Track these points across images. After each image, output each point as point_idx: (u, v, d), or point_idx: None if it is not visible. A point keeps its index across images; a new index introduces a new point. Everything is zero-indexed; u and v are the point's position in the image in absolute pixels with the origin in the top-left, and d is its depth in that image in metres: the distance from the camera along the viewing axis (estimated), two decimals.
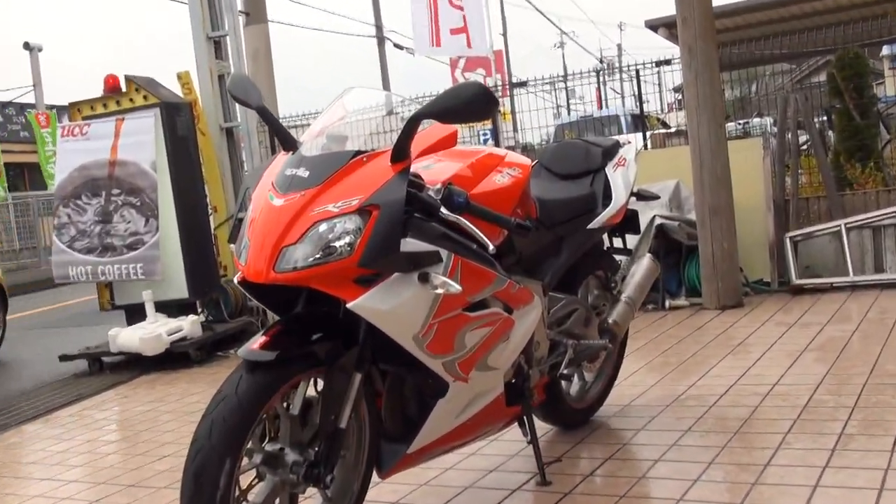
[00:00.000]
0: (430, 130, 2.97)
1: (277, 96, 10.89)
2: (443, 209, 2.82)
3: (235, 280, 2.89)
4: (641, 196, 4.45)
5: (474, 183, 3.16)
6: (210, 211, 8.34)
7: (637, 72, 12.12)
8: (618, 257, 4.53)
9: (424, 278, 2.81)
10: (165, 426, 5.60)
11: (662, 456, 3.84)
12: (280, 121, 3.22)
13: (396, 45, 30.06)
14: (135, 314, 7.94)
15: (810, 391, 4.55)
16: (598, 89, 23.18)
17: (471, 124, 9.67)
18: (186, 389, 6.63)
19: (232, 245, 3.04)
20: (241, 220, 2.96)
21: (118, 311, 8.25)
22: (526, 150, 15.10)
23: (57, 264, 8.00)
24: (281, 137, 3.02)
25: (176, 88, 8.39)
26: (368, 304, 2.72)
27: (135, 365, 7.62)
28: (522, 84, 12.82)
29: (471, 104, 2.68)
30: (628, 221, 4.33)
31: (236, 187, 8.60)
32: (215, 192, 8.50)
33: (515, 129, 15.94)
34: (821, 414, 4.17)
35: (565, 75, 15.96)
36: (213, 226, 8.36)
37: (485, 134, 16.02)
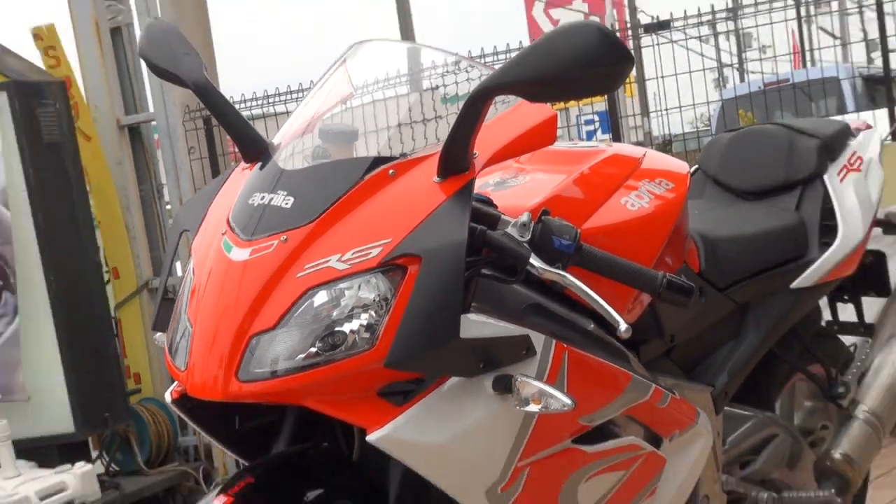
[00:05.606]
0: (509, 117, 2.08)
1: (231, 63, 8.22)
2: (535, 259, 1.96)
3: (168, 397, 2.08)
4: (894, 226, 3.47)
5: (588, 210, 2.30)
6: (106, 277, 5.82)
7: None
8: (848, 339, 3.47)
9: (505, 386, 1.98)
10: None
11: None
12: (237, 106, 2.21)
13: None
14: None
15: None
16: (798, 31, 16.01)
17: (564, 103, 6.73)
18: None
19: (158, 335, 2.15)
20: (171, 293, 2.26)
21: None
22: (667, 147, 9.46)
23: None
24: (238, 137, 2.15)
25: (34, 57, 5.53)
26: (403, 436, 1.92)
27: None
28: (661, 26, 7.45)
29: (586, 64, 1.80)
30: (867, 273, 3.29)
31: (153, 233, 6.04)
32: (114, 244, 5.84)
33: (645, 111, 10.23)
34: None
35: (735, 7, 9.90)
36: (112, 304, 5.89)
37: (589, 120, 10.14)
